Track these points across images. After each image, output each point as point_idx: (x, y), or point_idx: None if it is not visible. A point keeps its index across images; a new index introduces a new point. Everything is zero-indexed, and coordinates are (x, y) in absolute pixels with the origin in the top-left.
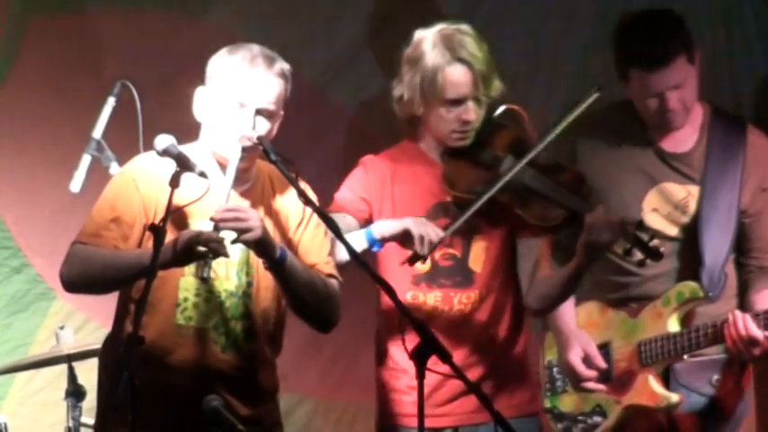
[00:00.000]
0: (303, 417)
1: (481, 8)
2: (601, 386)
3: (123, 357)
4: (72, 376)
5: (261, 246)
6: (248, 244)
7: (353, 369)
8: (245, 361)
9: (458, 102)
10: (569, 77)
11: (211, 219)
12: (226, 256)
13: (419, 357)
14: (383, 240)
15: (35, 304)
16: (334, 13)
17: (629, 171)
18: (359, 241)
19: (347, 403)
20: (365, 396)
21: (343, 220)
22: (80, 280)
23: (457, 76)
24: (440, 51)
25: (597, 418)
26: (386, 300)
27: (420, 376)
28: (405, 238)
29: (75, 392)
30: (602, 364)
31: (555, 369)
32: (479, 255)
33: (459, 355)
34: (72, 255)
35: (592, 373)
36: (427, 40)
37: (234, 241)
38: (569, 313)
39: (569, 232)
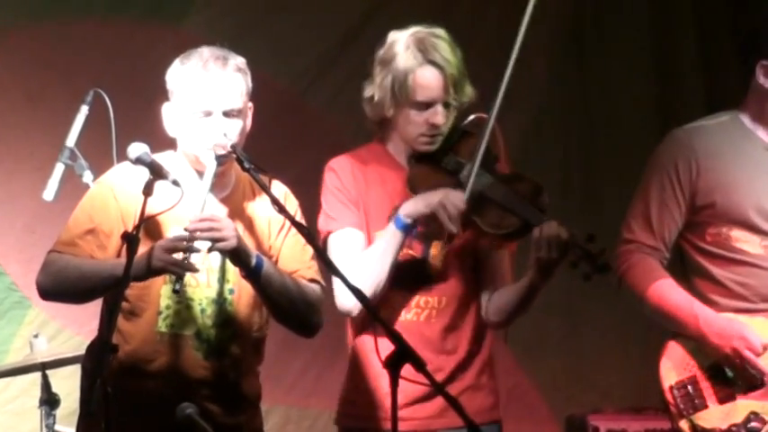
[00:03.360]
0: (276, 424)
1: (454, 12)
2: None
3: (95, 364)
4: (46, 384)
5: (236, 255)
6: (223, 253)
7: (326, 376)
8: (227, 368)
9: (427, 105)
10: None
11: (186, 229)
12: (195, 270)
13: (393, 366)
14: (415, 221)
15: (10, 313)
16: (309, 20)
17: (753, 169)
18: (393, 235)
19: (320, 410)
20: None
21: (353, 236)
22: (55, 289)
23: (428, 79)
24: (412, 53)
25: (755, 424)
26: None
27: (394, 384)
28: (430, 217)
29: (49, 400)
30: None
31: (689, 387)
32: (436, 258)
33: None
34: (48, 263)
35: None
36: (400, 41)
37: (209, 250)
38: (703, 305)
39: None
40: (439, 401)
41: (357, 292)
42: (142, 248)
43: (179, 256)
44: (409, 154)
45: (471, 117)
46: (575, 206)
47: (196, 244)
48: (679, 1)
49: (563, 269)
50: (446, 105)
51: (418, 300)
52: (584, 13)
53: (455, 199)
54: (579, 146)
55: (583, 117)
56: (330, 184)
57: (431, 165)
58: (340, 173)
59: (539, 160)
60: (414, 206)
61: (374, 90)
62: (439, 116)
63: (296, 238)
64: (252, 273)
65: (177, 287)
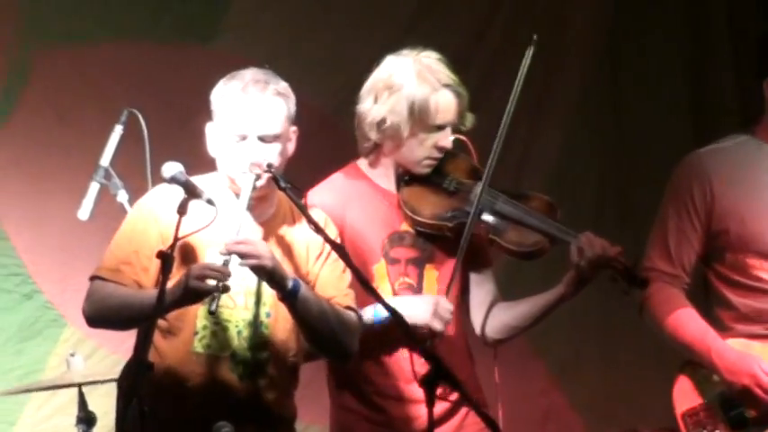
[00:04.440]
0: None
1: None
2: None
3: (131, 384)
4: (82, 403)
5: (272, 277)
6: (259, 275)
7: None
8: (263, 391)
9: (440, 128)
10: None
11: (221, 252)
12: (227, 290)
13: (429, 385)
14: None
15: (46, 331)
16: (341, 40)
17: None
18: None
19: None
20: None
21: None
22: (99, 317)
23: (448, 103)
24: (426, 78)
25: None
26: None
27: (429, 404)
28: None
29: (85, 419)
30: None
31: (701, 414)
32: (431, 284)
33: None
34: (92, 292)
35: None
36: (406, 66)
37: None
38: (717, 336)
39: None
40: (452, 424)
41: (394, 314)
42: (176, 270)
43: (212, 282)
44: (399, 178)
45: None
46: (610, 223)
47: (230, 266)
48: (715, 15)
49: (598, 289)
50: (453, 130)
51: (423, 327)
52: (618, 29)
53: (444, 311)
54: (614, 163)
55: (618, 133)
56: None
57: (426, 186)
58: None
59: (573, 177)
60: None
61: (383, 113)
62: (448, 140)
63: (334, 266)
64: (288, 296)
65: (213, 308)
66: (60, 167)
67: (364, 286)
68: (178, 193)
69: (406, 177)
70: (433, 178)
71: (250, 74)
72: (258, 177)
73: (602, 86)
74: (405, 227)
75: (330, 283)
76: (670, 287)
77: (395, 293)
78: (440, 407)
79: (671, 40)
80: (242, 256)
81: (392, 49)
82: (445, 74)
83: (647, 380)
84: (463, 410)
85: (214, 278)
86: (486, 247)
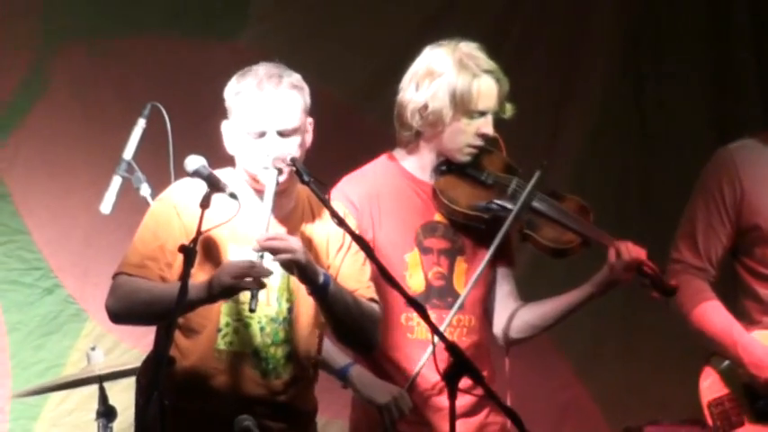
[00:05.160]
0: None
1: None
2: None
3: (152, 378)
4: (103, 397)
5: (304, 272)
6: (291, 270)
7: None
8: (285, 386)
9: (481, 114)
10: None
11: (254, 249)
12: (263, 286)
13: (451, 378)
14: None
15: (67, 325)
16: (366, 33)
17: None
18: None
19: None
20: None
21: None
22: (126, 313)
23: (489, 88)
24: (466, 64)
25: None
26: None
27: (452, 397)
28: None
29: (106, 413)
30: None
31: (726, 404)
32: (461, 276)
33: None
34: (117, 287)
35: None
36: (445, 54)
37: (282, 266)
38: (743, 330)
39: None
40: (478, 419)
41: (417, 306)
42: (198, 265)
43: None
44: (436, 167)
45: None
46: (632, 220)
47: (264, 262)
48: (737, 17)
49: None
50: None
51: (452, 319)
52: (641, 26)
53: (404, 404)
54: (637, 160)
55: (640, 131)
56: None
57: (463, 177)
58: (357, 210)
59: (596, 174)
60: (367, 390)
61: (425, 100)
62: (490, 126)
63: (354, 258)
64: (319, 289)
65: (253, 306)
66: (83, 161)
67: (387, 279)
68: (200, 186)
69: (442, 168)
70: (470, 171)
71: (263, 69)
72: (281, 172)
73: (625, 83)
74: (438, 218)
75: (352, 275)
76: (697, 279)
77: (428, 282)
78: (464, 401)
79: (693, 38)
80: (275, 251)
81: (415, 42)
82: (485, 60)
83: (667, 372)
84: (487, 408)
85: (252, 275)
86: (513, 246)
